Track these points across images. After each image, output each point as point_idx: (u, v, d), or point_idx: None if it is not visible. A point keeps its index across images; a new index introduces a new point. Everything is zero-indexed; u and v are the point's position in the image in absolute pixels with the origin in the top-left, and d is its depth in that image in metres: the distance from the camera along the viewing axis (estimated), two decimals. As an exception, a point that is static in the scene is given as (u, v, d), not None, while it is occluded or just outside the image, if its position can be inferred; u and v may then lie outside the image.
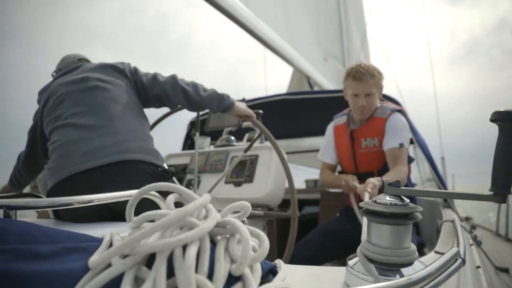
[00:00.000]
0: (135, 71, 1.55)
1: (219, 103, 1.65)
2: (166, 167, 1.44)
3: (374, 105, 1.92)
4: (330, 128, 2.16)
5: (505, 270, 2.16)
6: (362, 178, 1.81)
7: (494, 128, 0.57)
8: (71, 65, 1.56)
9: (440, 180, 2.26)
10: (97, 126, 1.28)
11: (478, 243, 1.94)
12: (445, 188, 2.43)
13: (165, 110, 1.88)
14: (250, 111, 1.79)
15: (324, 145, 2.14)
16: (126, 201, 0.53)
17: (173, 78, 1.55)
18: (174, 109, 1.89)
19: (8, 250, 0.40)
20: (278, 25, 3.72)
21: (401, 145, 1.83)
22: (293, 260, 1.56)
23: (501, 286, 1.85)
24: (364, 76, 1.83)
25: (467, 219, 4.22)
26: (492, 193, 0.56)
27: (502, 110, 0.54)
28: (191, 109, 1.65)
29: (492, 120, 0.55)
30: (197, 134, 1.96)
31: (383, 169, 1.89)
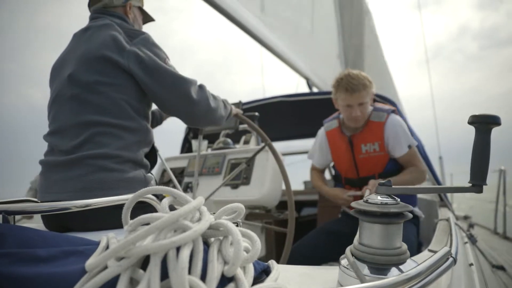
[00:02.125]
0: None
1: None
2: None
3: (367, 113, 1.91)
4: (321, 134, 2.13)
5: (501, 268, 2.18)
6: (364, 183, 1.87)
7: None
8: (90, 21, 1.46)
9: (436, 179, 2.28)
10: None
11: (473, 241, 1.96)
12: (436, 179, 2.45)
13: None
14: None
15: (315, 148, 2.14)
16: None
17: None
18: None
19: (8, 254, 0.42)
20: (280, 27, 3.70)
21: (410, 147, 1.85)
22: (292, 261, 1.57)
23: (497, 284, 1.87)
24: (356, 88, 1.81)
25: (466, 217, 4.24)
26: (471, 184, 0.65)
27: (477, 114, 0.62)
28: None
29: (469, 123, 0.63)
30: (200, 137, 1.97)
31: (384, 172, 1.91)
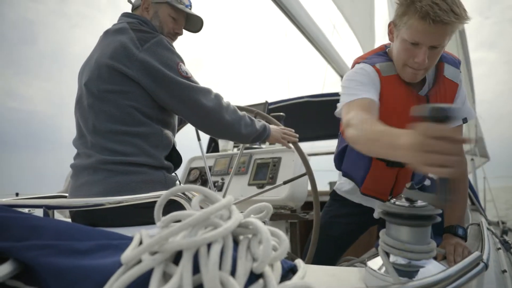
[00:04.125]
0: None
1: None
2: None
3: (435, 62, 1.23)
4: (371, 73, 1.30)
5: None
6: None
7: None
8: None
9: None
10: None
11: (507, 247, 1.89)
12: (474, 192, 2.38)
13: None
14: (290, 134, 1.65)
15: (358, 82, 1.27)
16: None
17: None
18: None
19: (49, 246, 0.44)
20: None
21: (465, 120, 1.36)
22: (315, 262, 1.57)
23: None
24: (446, 17, 1.05)
25: (501, 223, 4.09)
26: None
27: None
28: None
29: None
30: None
31: None
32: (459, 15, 1.06)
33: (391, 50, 1.33)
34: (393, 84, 1.28)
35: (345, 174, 1.60)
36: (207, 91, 1.37)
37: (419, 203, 0.61)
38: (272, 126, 1.62)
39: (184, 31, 1.61)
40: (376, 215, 1.61)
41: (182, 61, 1.37)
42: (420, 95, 1.29)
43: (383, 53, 1.37)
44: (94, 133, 1.31)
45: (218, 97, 1.40)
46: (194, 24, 1.64)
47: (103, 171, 1.25)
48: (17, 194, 1.84)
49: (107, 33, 1.42)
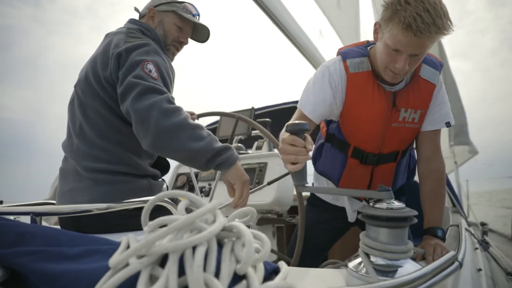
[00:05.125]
0: None
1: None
2: None
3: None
4: (335, 72, 1.33)
5: None
6: (383, 161, 1.41)
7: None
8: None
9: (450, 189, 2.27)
10: None
11: (485, 247, 1.94)
12: (454, 194, 2.43)
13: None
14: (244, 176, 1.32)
15: (316, 87, 1.35)
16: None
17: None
18: None
19: (38, 252, 0.45)
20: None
21: (448, 124, 1.36)
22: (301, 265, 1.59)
23: None
24: (427, 29, 1.07)
25: (482, 224, 4.18)
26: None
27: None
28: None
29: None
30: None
31: (406, 150, 1.45)
32: (441, 28, 1.09)
33: (374, 49, 1.35)
34: (360, 80, 1.32)
35: (321, 173, 1.61)
36: (154, 90, 1.15)
37: (397, 205, 0.64)
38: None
39: (190, 40, 1.59)
40: (350, 218, 1.63)
41: (157, 63, 1.23)
42: (388, 91, 1.32)
43: (363, 47, 1.39)
44: (80, 137, 1.29)
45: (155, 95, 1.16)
46: (201, 33, 1.60)
47: (87, 179, 1.24)
48: (1, 202, 1.82)
49: (106, 36, 1.40)
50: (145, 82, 1.14)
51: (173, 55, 1.54)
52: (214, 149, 1.17)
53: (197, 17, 1.55)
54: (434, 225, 1.20)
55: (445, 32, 1.11)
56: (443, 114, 1.35)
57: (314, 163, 1.65)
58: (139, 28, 1.42)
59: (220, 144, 1.21)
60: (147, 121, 1.08)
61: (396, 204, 0.65)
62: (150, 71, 1.19)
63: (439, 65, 1.36)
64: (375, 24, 1.27)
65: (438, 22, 1.07)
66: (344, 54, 1.36)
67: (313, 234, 1.65)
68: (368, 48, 1.37)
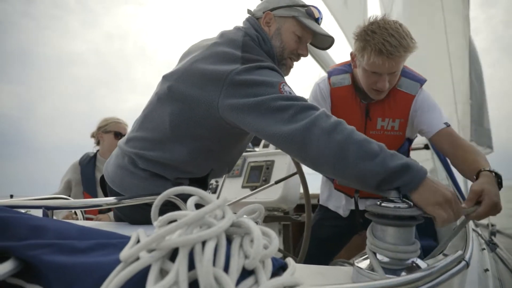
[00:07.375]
0: None
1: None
2: None
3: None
4: (324, 88, 1.57)
5: None
6: None
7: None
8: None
9: (456, 186, 2.25)
10: None
11: (492, 248, 1.93)
12: (461, 194, 2.42)
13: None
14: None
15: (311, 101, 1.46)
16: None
17: None
18: None
19: (50, 245, 0.46)
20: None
21: (448, 125, 1.38)
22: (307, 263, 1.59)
23: None
24: (395, 51, 1.23)
25: (490, 225, 4.14)
26: None
27: None
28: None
29: None
30: None
31: None
32: (407, 47, 1.26)
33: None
34: (341, 94, 1.54)
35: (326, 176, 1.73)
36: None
37: (404, 204, 0.64)
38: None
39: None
40: (343, 213, 1.72)
41: (269, 87, 1.06)
42: (362, 103, 1.51)
43: (348, 66, 1.57)
44: (139, 129, 1.20)
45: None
46: (323, 40, 1.36)
47: (136, 170, 1.09)
48: (11, 196, 1.84)
49: (221, 36, 1.24)
50: None
51: (289, 68, 1.34)
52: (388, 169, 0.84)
53: (320, 20, 1.34)
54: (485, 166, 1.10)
55: (411, 50, 1.29)
56: (436, 118, 1.41)
57: None
58: (257, 36, 1.25)
59: (398, 161, 0.85)
60: None
61: (403, 203, 0.65)
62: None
63: (420, 79, 1.49)
64: (351, 54, 1.46)
65: (404, 43, 1.25)
66: (329, 72, 1.60)
67: (319, 230, 1.74)
68: (353, 65, 1.52)
